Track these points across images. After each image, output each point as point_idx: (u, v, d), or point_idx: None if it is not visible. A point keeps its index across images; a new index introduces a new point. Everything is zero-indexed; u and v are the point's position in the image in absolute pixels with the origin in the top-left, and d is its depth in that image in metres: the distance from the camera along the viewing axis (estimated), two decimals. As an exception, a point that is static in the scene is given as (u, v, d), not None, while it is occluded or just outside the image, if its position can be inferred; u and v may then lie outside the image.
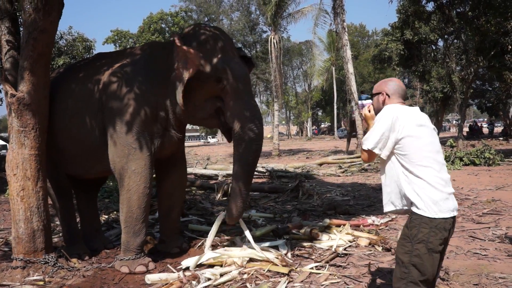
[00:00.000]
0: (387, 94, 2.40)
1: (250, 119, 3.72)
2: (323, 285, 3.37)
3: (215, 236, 4.64)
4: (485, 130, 31.48)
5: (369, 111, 2.46)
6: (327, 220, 5.03)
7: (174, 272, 3.68)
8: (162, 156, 4.21)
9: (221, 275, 3.60)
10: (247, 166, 3.79)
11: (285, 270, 3.60)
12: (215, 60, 3.72)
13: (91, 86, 4.09)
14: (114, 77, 4.00)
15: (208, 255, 3.89)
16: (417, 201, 2.17)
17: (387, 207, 2.34)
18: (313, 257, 4.05)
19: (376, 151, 2.25)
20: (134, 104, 3.86)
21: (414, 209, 2.18)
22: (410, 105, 2.43)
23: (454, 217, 2.20)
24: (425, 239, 2.13)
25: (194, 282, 3.42)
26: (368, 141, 2.27)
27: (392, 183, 2.29)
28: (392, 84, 2.41)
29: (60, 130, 4.21)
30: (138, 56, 4.12)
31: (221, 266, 3.80)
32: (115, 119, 3.88)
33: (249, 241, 4.01)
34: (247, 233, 4.05)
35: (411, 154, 2.19)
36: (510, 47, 14.41)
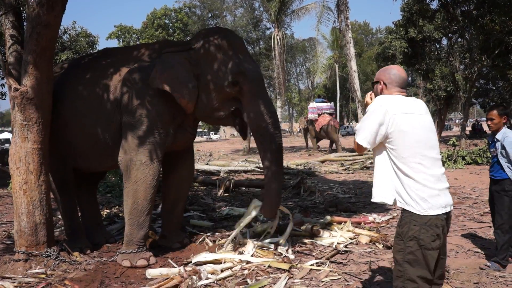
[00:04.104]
0: (384, 83, 2.32)
1: (268, 116, 3.85)
2: (323, 281, 3.38)
3: (214, 232, 4.67)
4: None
5: (371, 99, 2.37)
6: (328, 217, 5.04)
7: (175, 267, 3.70)
8: (172, 150, 4.25)
9: (222, 270, 3.62)
10: (275, 156, 3.87)
11: (285, 266, 3.61)
12: (230, 64, 3.84)
13: (107, 84, 4.10)
14: (131, 75, 4.03)
15: (209, 256, 3.90)
16: (405, 197, 2.15)
17: (376, 198, 2.28)
18: (313, 253, 4.07)
19: (364, 145, 2.20)
20: (152, 102, 3.92)
21: (403, 204, 2.16)
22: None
23: (447, 213, 2.16)
24: (416, 236, 2.11)
25: (194, 277, 3.44)
26: (359, 135, 2.22)
27: (382, 175, 2.24)
28: (390, 73, 2.32)
29: (72, 126, 4.25)
30: (154, 54, 4.14)
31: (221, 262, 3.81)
32: (132, 116, 3.93)
33: (251, 237, 4.02)
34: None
35: (400, 150, 2.14)
36: (514, 46, 14.34)
